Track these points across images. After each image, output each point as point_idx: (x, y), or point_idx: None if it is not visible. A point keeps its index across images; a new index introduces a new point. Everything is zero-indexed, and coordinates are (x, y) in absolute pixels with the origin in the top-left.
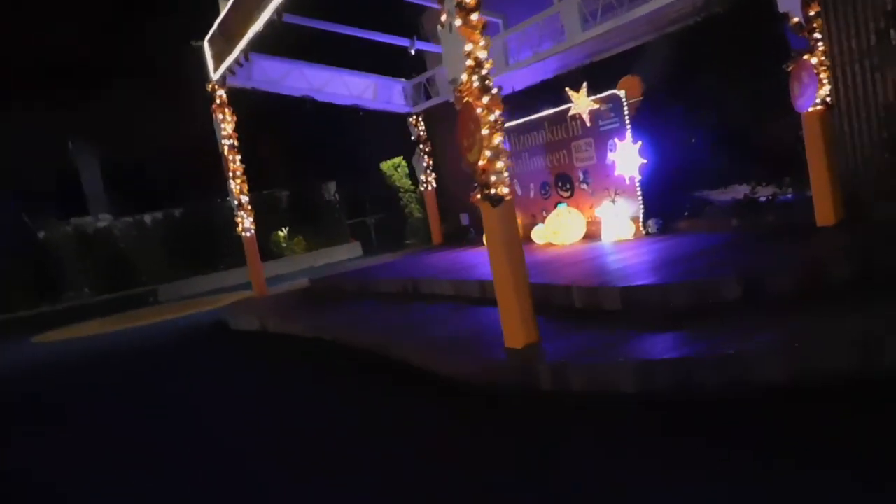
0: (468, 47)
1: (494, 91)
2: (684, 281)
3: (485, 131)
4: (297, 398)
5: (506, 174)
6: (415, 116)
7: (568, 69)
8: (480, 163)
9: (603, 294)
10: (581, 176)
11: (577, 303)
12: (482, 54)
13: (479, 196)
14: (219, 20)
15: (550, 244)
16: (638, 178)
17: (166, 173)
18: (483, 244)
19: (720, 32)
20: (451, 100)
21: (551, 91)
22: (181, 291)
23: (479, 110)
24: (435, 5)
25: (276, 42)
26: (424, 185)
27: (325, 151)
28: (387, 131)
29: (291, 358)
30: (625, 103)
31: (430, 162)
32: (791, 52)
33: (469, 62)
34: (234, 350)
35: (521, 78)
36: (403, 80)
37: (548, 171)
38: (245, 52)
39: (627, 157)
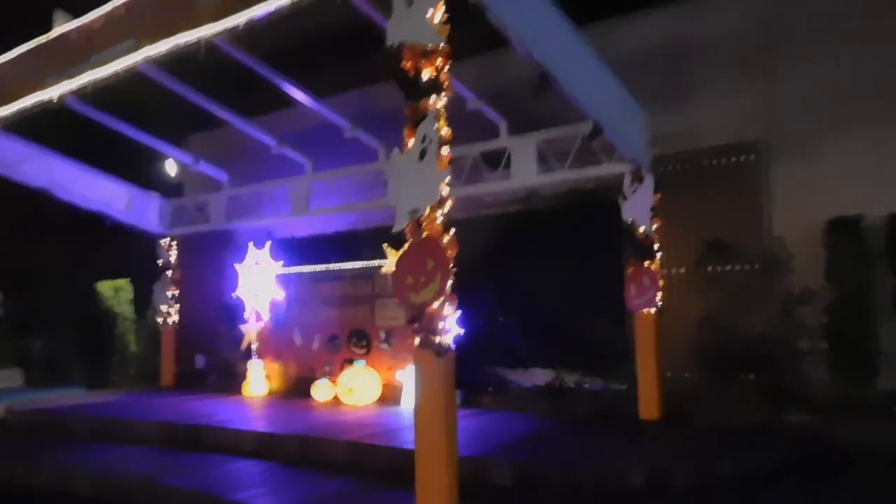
0: (438, 181)
1: (452, 232)
2: (587, 462)
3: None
4: None
5: (451, 324)
6: (168, 240)
7: (368, 226)
8: (433, 305)
9: (491, 466)
10: (382, 335)
11: None
12: (446, 191)
13: (418, 343)
14: None
15: (338, 402)
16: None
17: None
18: (240, 393)
19: (543, 223)
20: (209, 230)
21: (350, 244)
22: None
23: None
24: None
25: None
26: (164, 318)
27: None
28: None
29: None
30: None
31: (177, 293)
32: (631, 257)
33: (437, 197)
34: None
35: (317, 225)
36: (161, 196)
37: (339, 325)
38: (5, 120)
39: None
